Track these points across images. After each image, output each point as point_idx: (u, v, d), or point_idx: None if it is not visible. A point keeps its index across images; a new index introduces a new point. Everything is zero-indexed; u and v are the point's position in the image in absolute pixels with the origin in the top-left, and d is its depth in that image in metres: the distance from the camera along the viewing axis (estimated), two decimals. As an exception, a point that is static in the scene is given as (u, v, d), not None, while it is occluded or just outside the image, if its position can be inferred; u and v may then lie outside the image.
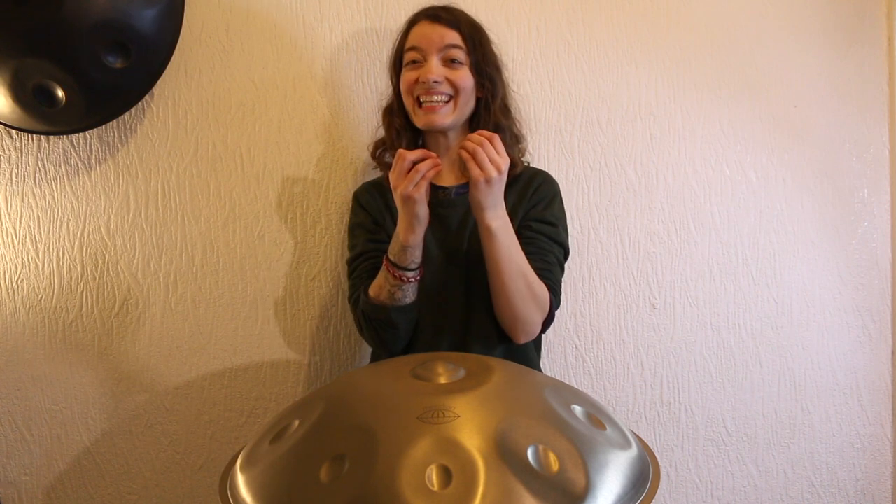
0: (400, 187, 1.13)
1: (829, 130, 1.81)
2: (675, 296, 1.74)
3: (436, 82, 1.24)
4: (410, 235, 1.17)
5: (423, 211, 1.15)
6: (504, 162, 1.13)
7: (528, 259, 1.22)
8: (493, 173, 1.12)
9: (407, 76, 1.29)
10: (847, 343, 1.84)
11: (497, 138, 1.14)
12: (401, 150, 1.14)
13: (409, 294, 1.21)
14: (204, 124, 1.51)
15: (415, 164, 1.12)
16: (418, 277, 1.21)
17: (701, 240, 1.74)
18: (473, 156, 1.12)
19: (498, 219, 1.16)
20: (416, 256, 1.19)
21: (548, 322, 1.27)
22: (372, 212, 1.35)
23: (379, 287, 1.22)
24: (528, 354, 1.34)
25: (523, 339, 1.27)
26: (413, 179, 1.12)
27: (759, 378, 1.79)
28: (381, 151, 1.38)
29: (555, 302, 1.26)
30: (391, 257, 1.20)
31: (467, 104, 1.30)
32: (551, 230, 1.30)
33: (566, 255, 1.32)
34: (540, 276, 1.23)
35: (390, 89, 1.39)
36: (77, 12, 1.27)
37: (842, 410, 1.85)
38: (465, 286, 1.28)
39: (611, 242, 1.70)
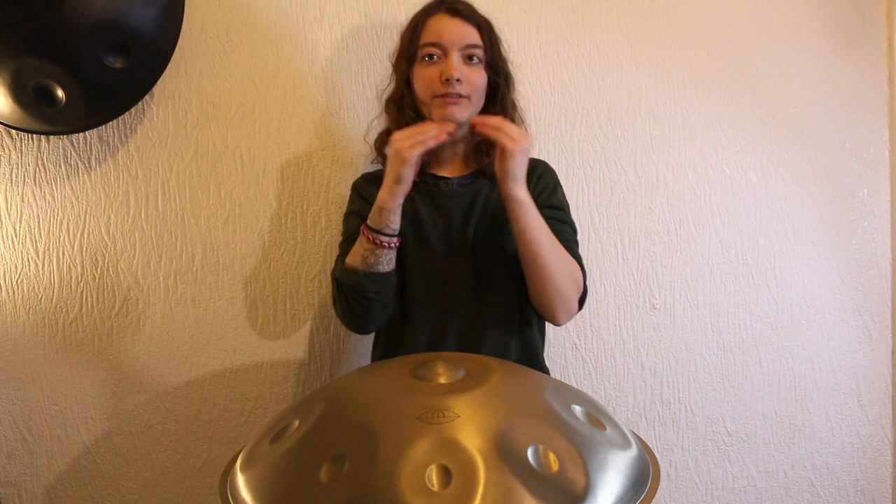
0: (398, 141, 1.14)
1: (829, 130, 1.81)
2: (675, 296, 1.74)
3: (458, 80, 1.23)
4: (388, 197, 1.16)
5: (407, 173, 1.15)
6: (527, 135, 1.16)
7: None
8: (525, 143, 1.14)
9: (426, 71, 1.26)
10: (847, 343, 1.84)
11: (507, 121, 1.17)
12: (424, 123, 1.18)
13: (382, 261, 1.20)
14: (204, 124, 1.51)
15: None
16: (393, 245, 1.20)
17: (701, 240, 1.74)
18: (501, 129, 1.13)
19: (524, 190, 1.18)
20: (391, 221, 1.18)
21: (582, 299, 1.27)
22: (370, 201, 1.31)
23: (354, 253, 1.23)
24: (534, 346, 1.34)
25: (564, 319, 1.26)
26: (413, 136, 1.14)
27: (759, 378, 1.79)
28: (385, 142, 1.36)
29: (585, 276, 1.26)
30: (368, 221, 1.21)
31: (480, 101, 1.30)
32: (559, 213, 1.31)
33: (575, 233, 1.34)
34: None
35: (390, 80, 1.37)
36: (77, 12, 1.27)
37: (842, 410, 1.85)
38: (472, 279, 1.28)
39: (611, 242, 1.70)
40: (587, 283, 1.28)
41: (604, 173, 1.69)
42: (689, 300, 1.74)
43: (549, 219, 1.26)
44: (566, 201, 1.36)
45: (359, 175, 1.42)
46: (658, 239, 1.72)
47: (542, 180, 1.33)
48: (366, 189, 1.36)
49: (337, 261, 1.32)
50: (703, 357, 1.76)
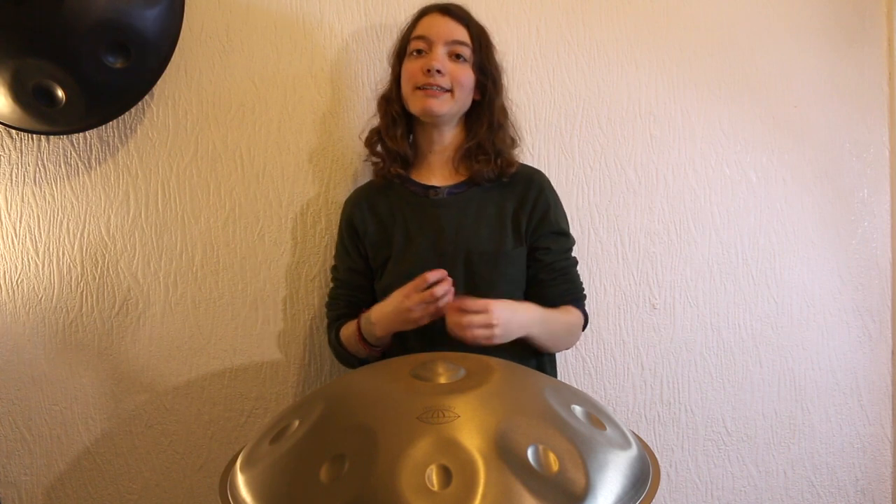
0: (416, 313, 1.14)
1: (829, 130, 1.81)
2: (675, 296, 1.74)
3: (438, 71, 1.25)
4: (385, 336, 1.23)
5: (412, 327, 1.18)
6: (491, 318, 1.10)
7: (554, 285, 1.28)
8: (488, 333, 1.10)
9: (411, 64, 1.29)
10: (847, 343, 1.84)
11: (481, 311, 1.10)
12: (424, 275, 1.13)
13: (374, 353, 1.29)
14: (204, 124, 1.51)
15: (431, 285, 1.12)
16: (385, 345, 1.28)
17: (701, 240, 1.74)
18: (468, 329, 1.10)
19: (526, 331, 1.19)
20: (386, 341, 1.26)
21: (583, 327, 1.37)
22: (359, 229, 1.37)
23: (348, 337, 1.31)
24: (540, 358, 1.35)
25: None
26: (429, 312, 1.13)
27: (759, 378, 1.79)
28: (376, 140, 1.38)
29: (585, 313, 1.34)
30: (365, 334, 1.26)
31: (465, 100, 1.31)
32: (563, 240, 1.33)
33: (572, 248, 1.37)
34: (571, 297, 1.30)
35: (388, 81, 1.39)
36: (77, 12, 1.27)
37: (842, 410, 1.85)
38: (465, 290, 1.25)
39: (611, 242, 1.70)
40: (587, 306, 1.37)
41: (604, 173, 1.69)
42: (689, 300, 1.74)
43: (554, 250, 1.30)
44: (564, 213, 1.37)
45: (359, 179, 1.43)
46: (658, 239, 1.72)
47: (542, 199, 1.32)
48: (354, 213, 1.38)
49: (330, 296, 1.41)
50: (703, 357, 1.76)
